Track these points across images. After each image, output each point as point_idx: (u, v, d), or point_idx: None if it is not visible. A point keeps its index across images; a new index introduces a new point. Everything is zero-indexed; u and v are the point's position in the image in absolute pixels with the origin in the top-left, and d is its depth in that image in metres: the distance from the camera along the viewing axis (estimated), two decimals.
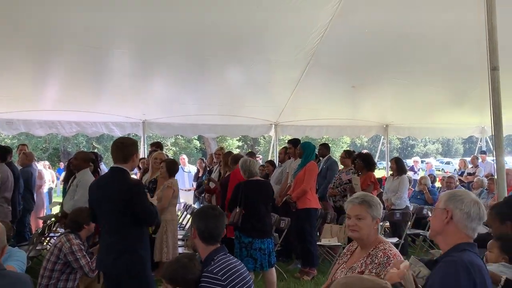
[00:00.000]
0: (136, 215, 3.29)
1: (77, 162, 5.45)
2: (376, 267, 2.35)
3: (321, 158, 7.47)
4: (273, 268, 4.93)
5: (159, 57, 6.21)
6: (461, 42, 5.85)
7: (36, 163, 9.12)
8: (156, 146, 7.51)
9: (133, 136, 21.04)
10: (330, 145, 8.63)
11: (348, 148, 29.80)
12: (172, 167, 5.50)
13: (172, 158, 6.49)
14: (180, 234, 6.27)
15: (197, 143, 30.46)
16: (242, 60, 6.56)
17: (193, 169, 11.57)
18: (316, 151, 7.43)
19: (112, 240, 3.28)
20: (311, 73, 6.95)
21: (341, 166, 7.14)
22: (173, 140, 28.93)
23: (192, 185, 10.57)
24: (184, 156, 12.18)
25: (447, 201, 2.09)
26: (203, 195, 8.33)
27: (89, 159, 5.66)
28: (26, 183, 6.97)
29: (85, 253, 4.01)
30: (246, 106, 8.71)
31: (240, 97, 8.26)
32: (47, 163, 13.17)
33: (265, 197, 4.99)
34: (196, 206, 8.85)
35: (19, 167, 7.06)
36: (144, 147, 9.34)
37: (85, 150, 25.32)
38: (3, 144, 13.22)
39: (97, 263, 3.56)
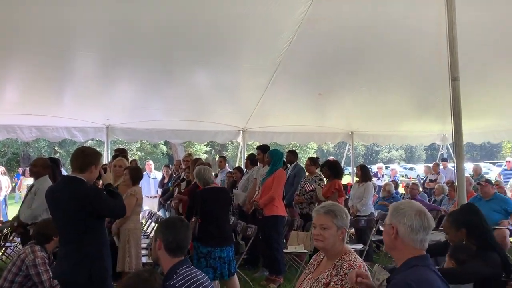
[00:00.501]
0: (104, 216, 3.32)
1: (37, 169, 5.21)
2: (341, 279, 2.33)
3: (288, 165, 7.48)
4: (235, 275, 4.85)
5: (124, 60, 6.07)
6: (423, 52, 6.02)
7: None
8: (120, 152, 7.31)
9: (96, 141, 20.44)
10: (297, 151, 8.69)
11: (315, 154, 30.14)
12: (136, 174, 5.35)
13: (135, 165, 6.29)
14: (144, 243, 6.11)
15: (164, 148, 30.04)
16: (209, 65, 6.51)
17: (159, 175, 11.36)
18: (284, 157, 7.44)
19: (69, 249, 3.15)
20: (278, 80, 6.98)
21: (307, 173, 7.17)
22: (139, 145, 28.41)
23: (157, 192, 10.36)
24: (151, 162, 11.95)
25: (391, 216, 2.10)
26: (168, 202, 8.17)
27: (49, 166, 5.43)
28: None
29: (48, 268, 3.83)
30: (213, 111, 8.64)
31: (207, 103, 8.19)
32: (2, 169, 12.57)
33: (223, 204, 4.90)
34: (161, 213, 8.68)
35: None
36: (108, 153, 9.09)
37: (47, 155, 24.51)
38: None
39: (55, 273, 3.40)
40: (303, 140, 11.85)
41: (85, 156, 3.22)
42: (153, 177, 10.99)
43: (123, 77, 6.83)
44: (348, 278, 2.19)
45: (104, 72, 6.51)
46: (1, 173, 11.33)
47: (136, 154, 27.81)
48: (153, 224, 7.71)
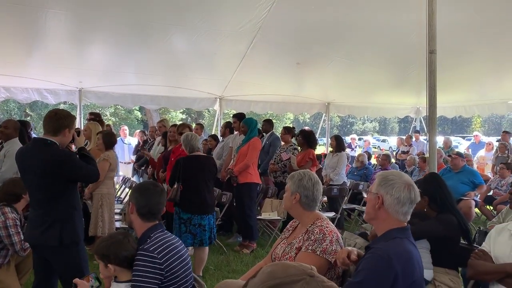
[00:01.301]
0: (77, 180, 3.23)
1: (9, 131, 5.06)
2: (312, 243, 2.37)
3: (264, 134, 7.50)
4: (206, 247, 4.86)
5: (98, 20, 5.85)
6: (401, 25, 6.02)
7: None
8: (95, 116, 7.14)
9: (69, 104, 19.89)
10: (274, 120, 8.71)
11: (291, 125, 30.20)
12: (109, 139, 5.27)
13: (109, 130, 6.16)
14: (117, 208, 6.10)
15: (138, 114, 29.59)
16: (187, 29, 6.34)
17: (133, 141, 11.23)
18: (260, 126, 7.45)
19: (40, 212, 3.08)
20: (257, 47, 6.89)
21: (282, 142, 7.22)
22: (113, 110, 27.87)
23: (131, 158, 10.27)
24: (126, 128, 11.77)
25: (378, 186, 2.07)
26: (142, 168, 8.12)
27: (19, 128, 5.29)
28: None
29: (19, 230, 3.76)
30: (190, 78, 8.51)
31: (184, 68, 8.05)
32: None
33: (205, 172, 4.88)
34: (135, 179, 8.63)
35: None
36: (81, 117, 8.89)
37: (17, 117, 23.81)
38: None
39: (25, 236, 3.36)
40: (280, 109, 11.86)
41: (59, 119, 3.10)
42: (127, 143, 10.87)
43: (96, 39, 6.61)
44: (340, 260, 2.21)
45: (76, 32, 6.27)
46: None
47: (110, 119, 27.32)
48: (127, 189, 7.68)
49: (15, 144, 4.99)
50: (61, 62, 7.22)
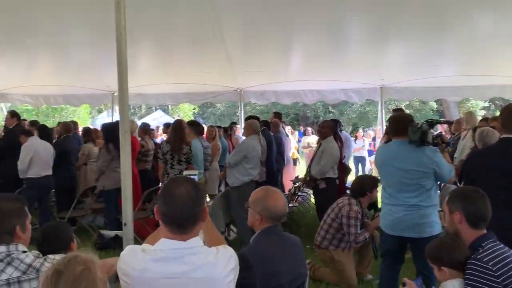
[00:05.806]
0: None
1: (325, 130, 5.80)
2: None
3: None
4: None
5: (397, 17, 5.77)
6: None
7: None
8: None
9: (370, 101, 20.62)
10: None
11: None
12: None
13: None
14: None
15: (433, 104, 28.35)
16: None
17: None
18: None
19: None
20: None
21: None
22: (407, 102, 27.63)
23: None
24: None
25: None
26: None
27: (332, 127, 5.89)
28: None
29: (358, 223, 4.21)
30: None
31: (486, 54, 6.99)
32: (290, 128, 14.18)
33: None
34: None
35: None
36: (382, 113, 9.20)
37: (322, 116, 26.59)
38: None
39: None
40: None
41: None
42: None
43: (395, 35, 6.54)
44: None
45: (376, 32, 6.30)
46: (290, 132, 12.41)
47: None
48: None
49: (331, 142, 5.61)
50: (361, 63, 7.62)
